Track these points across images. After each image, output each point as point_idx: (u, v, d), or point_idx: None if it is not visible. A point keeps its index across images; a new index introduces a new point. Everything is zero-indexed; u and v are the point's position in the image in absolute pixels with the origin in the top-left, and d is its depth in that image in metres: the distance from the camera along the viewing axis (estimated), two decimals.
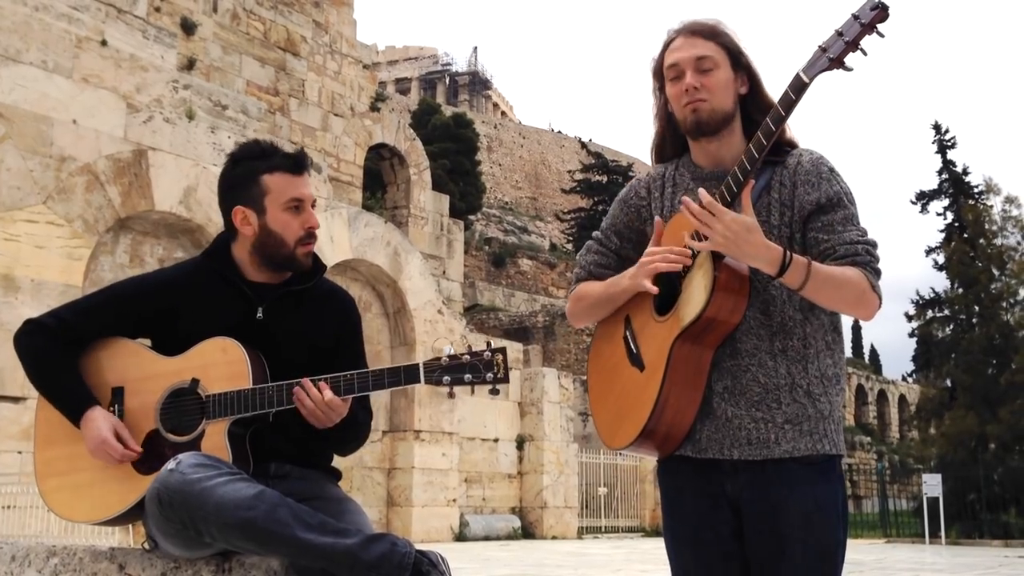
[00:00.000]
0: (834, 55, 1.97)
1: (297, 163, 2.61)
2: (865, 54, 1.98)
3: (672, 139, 2.37)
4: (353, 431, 2.59)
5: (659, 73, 2.32)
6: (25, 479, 9.52)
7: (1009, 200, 24.55)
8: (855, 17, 1.97)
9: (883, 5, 1.95)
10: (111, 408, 2.49)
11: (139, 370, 2.52)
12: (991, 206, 24.91)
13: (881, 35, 1.97)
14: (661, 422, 2.16)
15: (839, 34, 1.99)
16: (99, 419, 2.44)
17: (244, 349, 2.44)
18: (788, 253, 2.04)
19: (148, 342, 2.59)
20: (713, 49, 2.23)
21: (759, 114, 2.21)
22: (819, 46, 2.00)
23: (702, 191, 2.05)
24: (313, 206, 2.63)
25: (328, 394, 2.37)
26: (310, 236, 2.59)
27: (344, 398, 2.39)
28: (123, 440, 2.43)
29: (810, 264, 2.05)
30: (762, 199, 2.20)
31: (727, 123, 2.25)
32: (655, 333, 2.19)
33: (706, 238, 2.05)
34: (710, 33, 2.25)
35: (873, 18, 1.95)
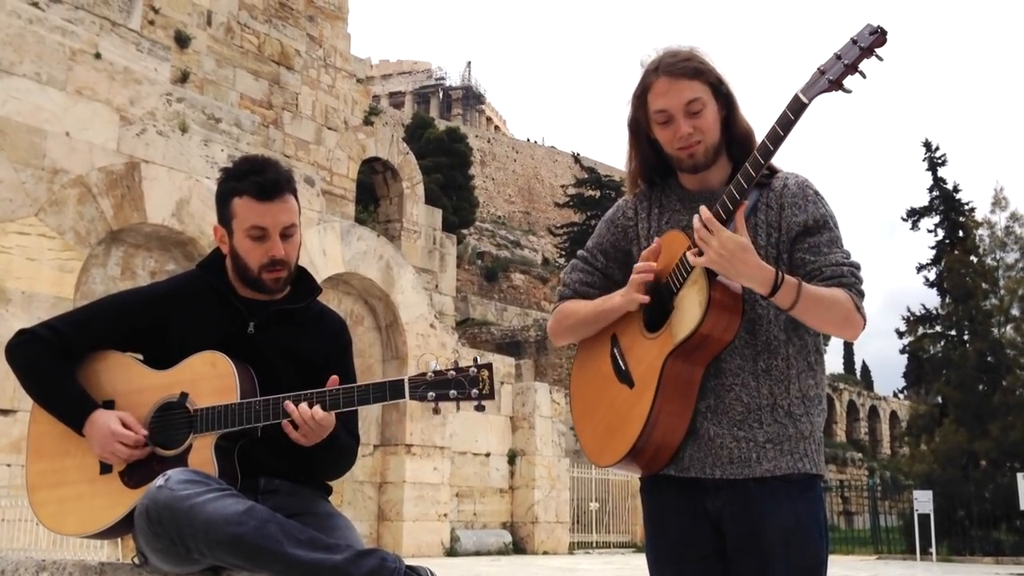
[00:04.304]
0: (833, 77, 1.97)
1: (263, 189, 2.51)
2: (864, 76, 1.98)
3: (654, 166, 2.36)
4: (337, 453, 2.58)
5: (639, 111, 2.29)
6: (14, 492, 9.46)
7: (1015, 217, 24.53)
8: (853, 41, 1.97)
9: (882, 30, 1.96)
10: None
11: (129, 383, 2.52)
12: (995, 222, 24.81)
13: (880, 59, 1.96)
14: (651, 439, 2.16)
15: (837, 57, 1.98)
16: (104, 415, 2.44)
17: (233, 363, 2.44)
18: (780, 273, 2.05)
19: (139, 356, 2.59)
20: (699, 88, 2.21)
21: (735, 134, 2.25)
22: (818, 68, 2.00)
23: (703, 208, 2.06)
24: (289, 231, 2.55)
25: (316, 409, 2.37)
26: (274, 264, 2.54)
27: (328, 413, 2.39)
28: (131, 427, 2.42)
29: (800, 285, 2.07)
30: (749, 220, 2.22)
31: (719, 153, 2.27)
32: (646, 350, 2.20)
33: (702, 254, 2.07)
34: (693, 72, 2.21)
35: (872, 43, 1.96)
